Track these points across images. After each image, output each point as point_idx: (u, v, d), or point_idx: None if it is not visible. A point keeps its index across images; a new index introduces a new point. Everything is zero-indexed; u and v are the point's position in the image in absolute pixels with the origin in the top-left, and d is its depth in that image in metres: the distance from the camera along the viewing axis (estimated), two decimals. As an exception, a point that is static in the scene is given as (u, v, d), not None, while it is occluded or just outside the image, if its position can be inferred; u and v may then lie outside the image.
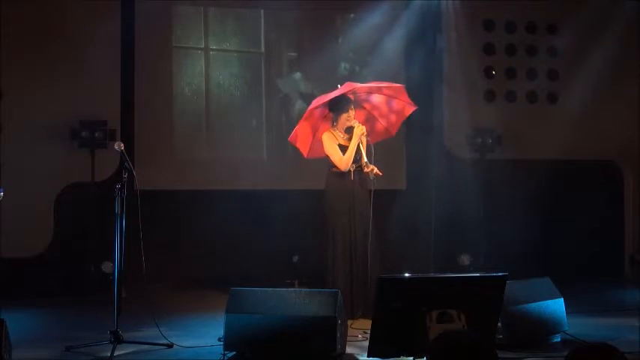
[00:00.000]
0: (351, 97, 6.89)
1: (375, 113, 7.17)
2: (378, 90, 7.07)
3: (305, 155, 7.10)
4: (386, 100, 7.11)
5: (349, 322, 6.12)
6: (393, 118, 7.17)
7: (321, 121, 7.02)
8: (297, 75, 9.34)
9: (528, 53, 9.69)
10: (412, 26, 9.31)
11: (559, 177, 9.46)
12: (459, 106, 9.27)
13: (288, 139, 7.06)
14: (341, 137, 6.82)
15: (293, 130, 7.02)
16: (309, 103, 7.56)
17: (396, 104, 7.10)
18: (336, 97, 6.77)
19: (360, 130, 6.69)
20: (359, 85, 6.95)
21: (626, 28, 9.49)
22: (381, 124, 7.19)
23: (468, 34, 9.36)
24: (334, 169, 6.82)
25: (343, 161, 6.72)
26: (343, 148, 6.75)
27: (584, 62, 9.39)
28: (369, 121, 7.12)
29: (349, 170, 6.73)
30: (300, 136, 7.00)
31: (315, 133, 7.03)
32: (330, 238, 6.76)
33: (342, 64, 9.32)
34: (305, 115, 6.97)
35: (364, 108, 7.13)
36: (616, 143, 9.53)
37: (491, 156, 9.29)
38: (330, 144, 6.78)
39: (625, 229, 9.78)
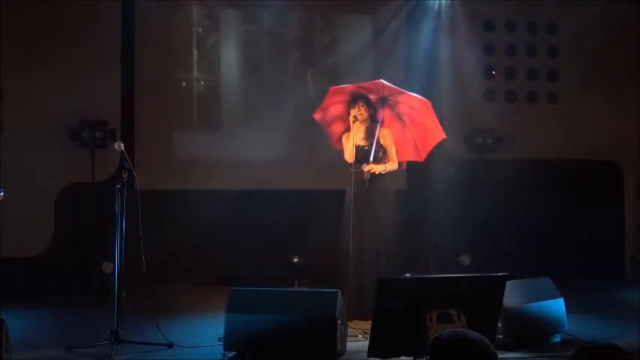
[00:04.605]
0: (381, 94, 6.87)
1: (413, 133, 7.13)
2: (413, 101, 6.97)
3: (332, 145, 7.26)
4: (425, 124, 7.04)
5: (355, 321, 6.16)
6: (427, 143, 7.13)
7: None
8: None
9: (528, 53, 9.69)
10: (412, 26, 9.31)
11: (559, 177, 9.45)
12: (458, 106, 9.27)
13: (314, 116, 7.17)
14: (359, 137, 6.89)
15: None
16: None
17: (431, 128, 7.04)
18: (354, 91, 6.86)
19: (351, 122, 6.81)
20: (390, 85, 6.85)
21: (626, 26, 9.49)
22: (415, 146, 7.15)
23: (468, 34, 9.35)
24: (351, 169, 6.88)
25: (346, 155, 6.90)
26: (358, 148, 6.84)
27: (584, 62, 9.39)
28: (404, 139, 7.13)
29: (362, 170, 6.77)
30: (329, 120, 7.13)
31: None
32: (344, 237, 6.79)
33: (342, 65, 9.30)
34: (329, 99, 6.98)
35: (405, 124, 7.12)
36: (616, 143, 9.52)
37: (491, 156, 9.28)
38: (344, 142, 6.95)
39: (625, 229, 9.77)
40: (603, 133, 9.44)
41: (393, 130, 7.03)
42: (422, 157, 7.21)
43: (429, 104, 6.93)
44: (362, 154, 6.82)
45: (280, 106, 9.07)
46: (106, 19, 8.45)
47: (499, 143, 9.31)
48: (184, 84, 9.15)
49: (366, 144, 6.86)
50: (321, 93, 7.32)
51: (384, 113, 6.94)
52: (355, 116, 6.80)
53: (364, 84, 6.92)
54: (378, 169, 6.78)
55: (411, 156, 7.20)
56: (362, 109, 6.83)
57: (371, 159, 6.75)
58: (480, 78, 9.54)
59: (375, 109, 6.91)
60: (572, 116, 9.40)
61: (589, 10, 9.34)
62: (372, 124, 6.89)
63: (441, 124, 7.06)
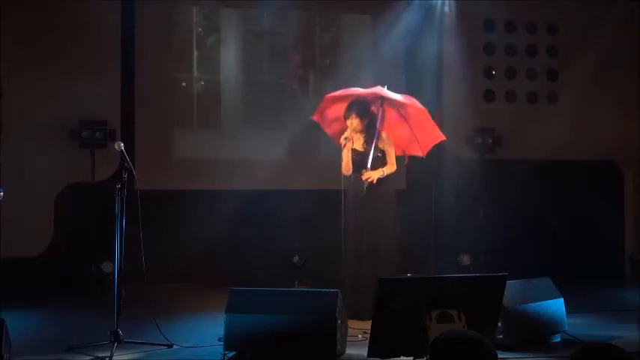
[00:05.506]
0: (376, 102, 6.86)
1: (416, 130, 7.15)
2: (408, 108, 7.01)
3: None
4: (427, 124, 7.10)
5: (355, 321, 6.16)
6: (428, 141, 7.18)
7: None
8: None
9: (528, 53, 9.70)
10: (412, 26, 9.31)
11: (559, 177, 9.46)
12: (458, 106, 9.27)
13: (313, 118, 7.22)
14: (359, 143, 6.88)
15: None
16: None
17: (432, 129, 7.11)
18: (350, 100, 6.83)
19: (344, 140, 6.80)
20: (388, 93, 6.86)
21: (626, 27, 9.50)
22: (417, 142, 7.17)
23: (468, 34, 9.35)
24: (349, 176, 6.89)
25: (342, 167, 6.88)
26: (356, 152, 6.84)
27: (584, 62, 9.39)
28: (409, 137, 7.15)
29: (360, 179, 6.78)
30: (328, 122, 7.14)
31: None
32: (344, 237, 6.80)
33: (342, 65, 9.30)
34: (326, 104, 6.99)
35: (407, 121, 7.12)
36: (616, 143, 9.52)
37: (491, 156, 9.29)
38: (343, 153, 6.89)
39: (625, 229, 9.78)
40: (603, 133, 9.44)
41: (397, 128, 7.03)
42: (423, 152, 7.23)
43: (426, 112, 6.99)
44: (361, 159, 6.82)
45: (280, 106, 9.08)
46: (106, 19, 8.45)
47: (499, 143, 9.32)
48: (184, 84, 9.15)
49: (366, 149, 6.84)
50: (320, 93, 7.32)
51: (387, 114, 6.94)
52: (346, 138, 6.77)
53: (361, 92, 6.89)
54: (375, 175, 6.78)
55: (414, 151, 7.23)
56: (355, 121, 6.79)
57: (368, 166, 6.74)
58: (480, 78, 9.55)
59: (373, 117, 6.88)
60: (572, 116, 9.40)
61: (589, 10, 9.35)
62: (372, 130, 6.86)
63: (442, 124, 7.13)
